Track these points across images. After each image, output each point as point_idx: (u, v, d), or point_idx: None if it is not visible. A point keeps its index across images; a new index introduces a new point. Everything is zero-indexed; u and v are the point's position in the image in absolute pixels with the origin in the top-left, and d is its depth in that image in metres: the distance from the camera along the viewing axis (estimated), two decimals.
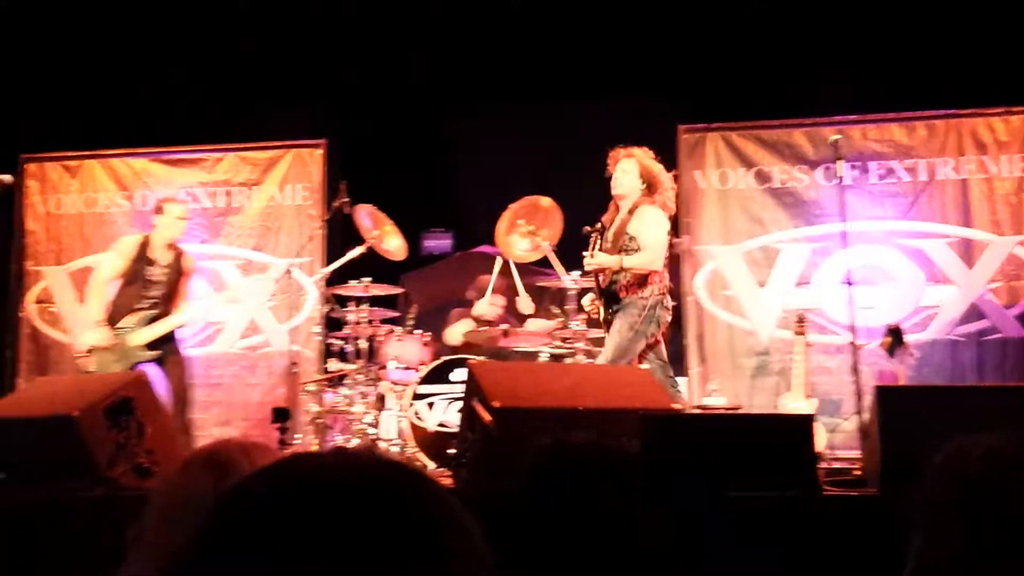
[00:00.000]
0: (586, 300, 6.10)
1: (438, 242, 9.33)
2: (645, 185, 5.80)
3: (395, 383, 6.65)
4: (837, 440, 6.38)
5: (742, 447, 3.77)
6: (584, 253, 5.83)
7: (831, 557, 3.44)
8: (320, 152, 7.90)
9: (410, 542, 0.75)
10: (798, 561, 3.44)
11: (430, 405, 6.34)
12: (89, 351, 6.11)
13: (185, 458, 1.68)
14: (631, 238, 5.71)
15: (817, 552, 3.47)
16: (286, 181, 7.92)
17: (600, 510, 1.71)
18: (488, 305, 7.25)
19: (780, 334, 7.20)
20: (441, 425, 6.27)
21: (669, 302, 5.78)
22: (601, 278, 5.82)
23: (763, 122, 7.61)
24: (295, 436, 6.37)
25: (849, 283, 5.41)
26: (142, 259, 6.31)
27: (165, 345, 6.27)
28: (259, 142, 8.06)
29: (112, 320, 6.19)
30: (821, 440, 5.67)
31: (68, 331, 7.96)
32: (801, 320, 6.72)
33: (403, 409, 6.36)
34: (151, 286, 6.28)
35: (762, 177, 7.49)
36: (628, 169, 5.84)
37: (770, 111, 7.64)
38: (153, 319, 6.23)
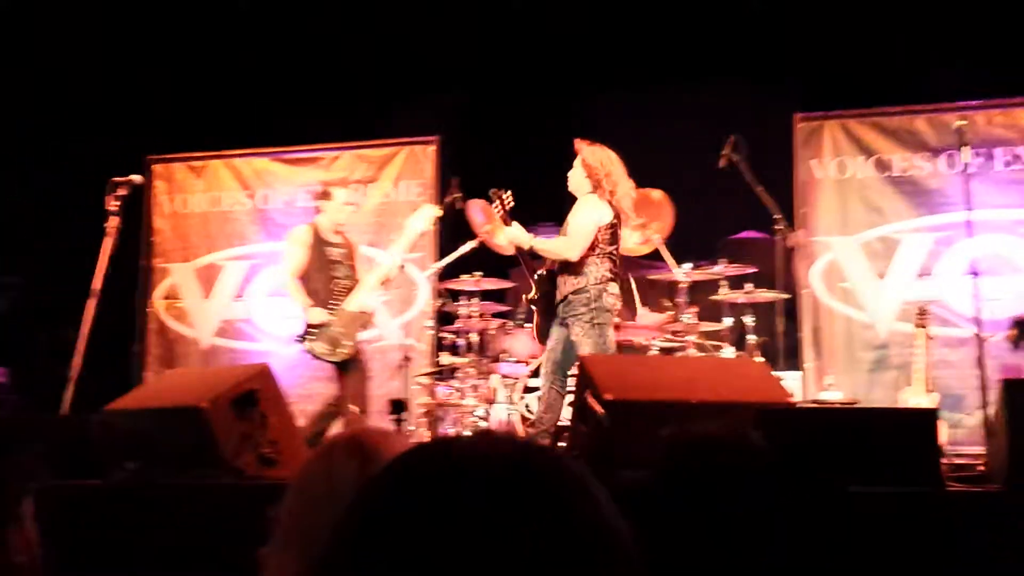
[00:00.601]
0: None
1: (548, 236, 9.34)
2: (592, 182, 5.65)
3: (506, 376, 6.70)
4: (959, 436, 6.19)
5: (863, 442, 3.70)
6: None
7: (956, 554, 3.34)
8: (433, 148, 8.01)
9: (559, 528, 0.76)
10: (921, 557, 3.35)
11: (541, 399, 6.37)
12: (315, 328, 6.18)
13: (327, 442, 1.73)
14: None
15: (941, 549, 3.38)
16: (400, 178, 8.06)
17: (736, 505, 1.68)
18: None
19: (900, 327, 7.00)
20: None
21: (614, 288, 5.58)
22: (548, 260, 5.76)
23: (883, 109, 7.39)
24: (409, 428, 6.48)
25: (974, 274, 5.24)
26: (320, 243, 6.39)
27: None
28: (375, 140, 8.23)
29: (322, 306, 6.26)
30: (942, 435, 5.51)
31: (194, 326, 8.28)
32: (923, 312, 6.53)
33: (514, 402, 6.41)
34: (336, 266, 6.37)
35: (882, 165, 7.29)
36: (575, 165, 5.74)
37: (890, 97, 7.43)
38: (349, 290, 6.34)
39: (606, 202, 5.58)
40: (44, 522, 2.11)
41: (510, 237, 5.79)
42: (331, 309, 6.23)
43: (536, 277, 5.81)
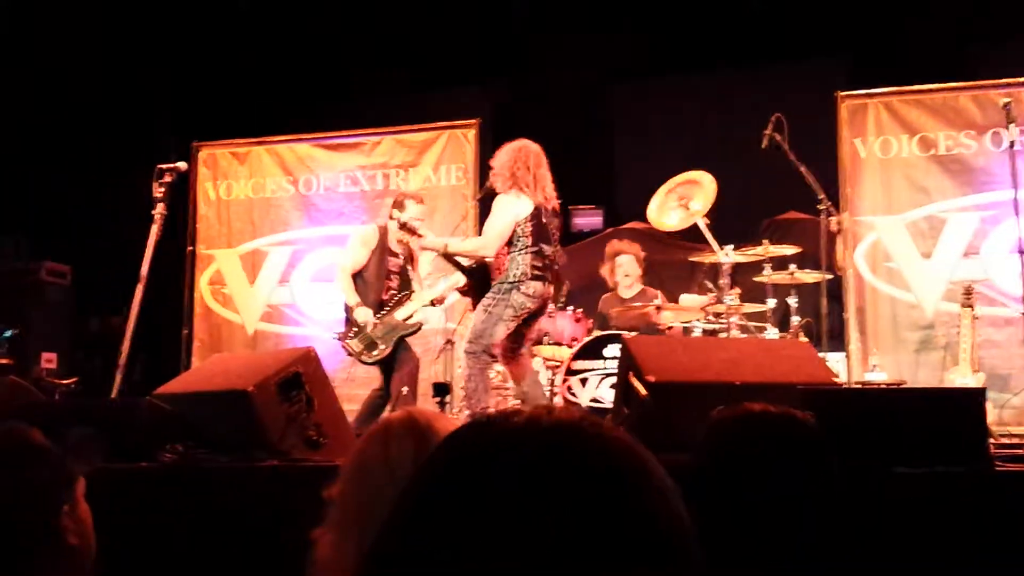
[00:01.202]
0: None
1: (588, 219, 9.33)
2: (510, 180, 5.65)
3: (548, 359, 6.71)
4: (1006, 416, 6.11)
5: (909, 423, 3.66)
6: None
7: (1004, 534, 3.31)
8: (473, 133, 8.02)
9: (620, 505, 0.75)
10: (969, 538, 3.32)
11: (583, 381, 6.38)
12: (357, 329, 6.25)
13: (380, 424, 1.74)
14: None
15: (989, 529, 3.34)
16: (441, 162, 8.08)
17: (785, 482, 1.67)
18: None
19: (946, 307, 6.92)
20: (594, 401, 6.30)
21: (531, 288, 5.55)
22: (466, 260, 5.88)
23: (927, 87, 7.28)
24: (453, 411, 6.51)
25: (1021, 252, 5.16)
26: (383, 250, 6.41)
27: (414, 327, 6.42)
28: (415, 125, 8.25)
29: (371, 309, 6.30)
30: (989, 415, 5.44)
31: (239, 311, 8.38)
32: (969, 292, 6.44)
33: (556, 384, 6.42)
34: (392, 276, 6.40)
35: (926, 144, 7.19)
36: (494, 167, 5.78)
37: (934, 75, 7.31)
38: (401, 300, 6.39)
39: (524, 196, 5.60)
40: (92, 504, 2.15)
41: (423, 245, 5.96)
42: (378, 315, 6.28)
43: (468, 270, 5.91)
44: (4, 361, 7.77)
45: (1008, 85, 6.83)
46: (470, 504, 0.75)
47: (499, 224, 5.57)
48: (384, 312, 6.30)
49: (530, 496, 0.74)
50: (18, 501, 1.95)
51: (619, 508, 0.75)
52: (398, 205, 6.47)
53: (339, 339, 6.30)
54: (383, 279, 6.36)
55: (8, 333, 8.34)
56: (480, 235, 6.02)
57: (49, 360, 8.74)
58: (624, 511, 0.75)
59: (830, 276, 6.59)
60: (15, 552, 1.93)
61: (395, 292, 6.39)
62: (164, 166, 5.71)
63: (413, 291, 6.44)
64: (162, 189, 5.64)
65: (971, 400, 3.95)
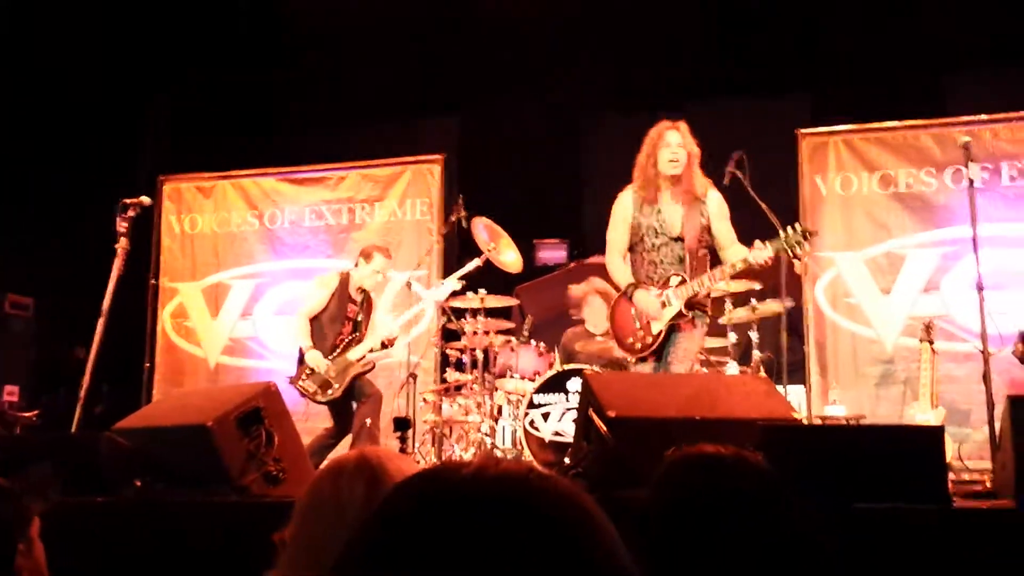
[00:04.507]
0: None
1: (553, 252, 9.37)
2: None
3: (510, 393, 6.71)
4: (965, 451, 6.17)
5: (868, 458, 3.69)
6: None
7: (964, 571, 3.33)
8: (438, 167, 8.05)
9: (565, 557, 0.76)
10: (928, 575, 3.34)
11: (545, 415, 6.38)
12: (310, 371, 6.36)
13: (333, 464, 1.73)
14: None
15: (949, 566, 3.37)
16: (406, 196, 8.11)
17: (737, 523, 1.68)
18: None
19: (905, 342, 7.00)
20: (556, 434, 6.29)
21: None
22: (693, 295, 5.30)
23: (887, 124, 7.40)
24: (414, 445, 6.49)
25: (980, 288, 5.23)
26: (343, 296, 6.53)
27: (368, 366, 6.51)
28: (380, 159, 8.27)
29: (324, 352, 6.41)
30: (948, 451, 5.50)
31: (201, 345, 8.31)
32: (928, 327, 6.52)
33: (519, 418, 6.41)
34: (348, 323, 6.51)
35: (887, 181, 7.29)
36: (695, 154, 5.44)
37: (896, 112, 7.43)
38: (350, 343, 6.48)
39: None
40: (51, 539, 2.13)
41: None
42: (330, 357, 6.39)
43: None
44: None
45: (968, 123, 6.95)
46: (416, 556, 0.75)
47: None
48: (336, 354, 6.41)
49: (475, 547, 0.75)
50: None
51: (564, 559, 0.76)
52: (366, 256, 6.59)
53: (291, 382, 6.35)
54: (338, 323, 6.48)
55: None
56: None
57: (11, 393, 8.62)
58: (569, 562, 0.76)
59: (791, 304, 6.63)
60: None
61: (345, 336, 6.49)
62: (128, 200, 5.68)
63: (364, 334, 6.54)
64: (125, 223, 5.61)
65: (930, 437, 3.98)
